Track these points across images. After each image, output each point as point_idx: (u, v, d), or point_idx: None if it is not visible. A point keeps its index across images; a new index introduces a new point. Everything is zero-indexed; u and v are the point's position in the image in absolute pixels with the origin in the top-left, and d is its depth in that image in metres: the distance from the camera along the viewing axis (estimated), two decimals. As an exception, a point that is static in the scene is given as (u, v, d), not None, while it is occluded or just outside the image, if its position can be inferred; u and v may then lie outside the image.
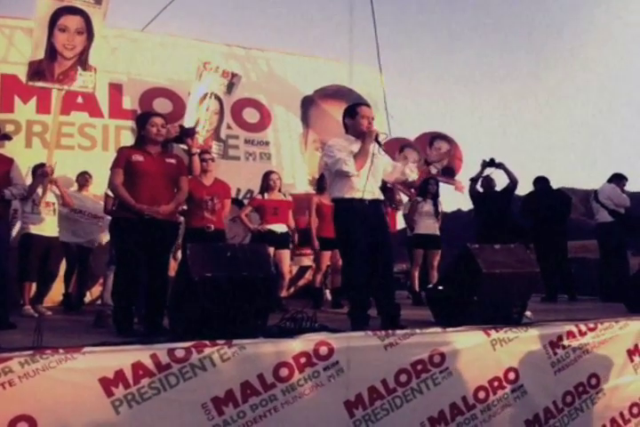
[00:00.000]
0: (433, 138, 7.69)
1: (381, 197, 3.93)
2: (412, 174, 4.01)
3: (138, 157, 3.64)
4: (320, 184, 5.77)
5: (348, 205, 3.75)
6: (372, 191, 3.77)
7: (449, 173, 7.53)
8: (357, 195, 3.71)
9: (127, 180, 3.64)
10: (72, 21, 4.90)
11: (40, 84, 4.93)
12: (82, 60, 4.96)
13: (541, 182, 6.71)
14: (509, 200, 6.63)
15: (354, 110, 3.90)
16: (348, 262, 3.92)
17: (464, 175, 7.36)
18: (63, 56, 4.88)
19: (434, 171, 7.29)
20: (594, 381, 3.57)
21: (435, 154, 7.52)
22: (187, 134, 4.07)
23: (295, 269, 7.16)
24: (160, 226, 3.60)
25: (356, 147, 3.77)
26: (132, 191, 3.59)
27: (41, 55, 4.83)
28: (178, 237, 4.25)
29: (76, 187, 5.84)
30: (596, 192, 6.64)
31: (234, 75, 6.39)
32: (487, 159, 6.63)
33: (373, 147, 3.73)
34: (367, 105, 4.07)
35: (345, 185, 3.75)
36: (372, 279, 3.76)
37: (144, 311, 3.67)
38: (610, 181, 6.55)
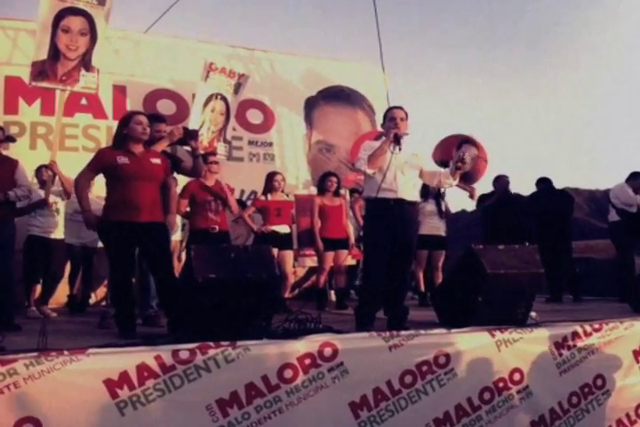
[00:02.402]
0: (462, 142, 7.62)
1: (409, 197, 3.85)
2: (449, 181, 3.95)
3: (123, 160, 3.45)
4: (321, 185, 5.76)
5: (372, 205, 3.86)
6: (394, 190, 3.77)
7: (469, 178, 7.47)
8: (380, 194, 3.74)
9: (114, 183, 3.50)
10: (75, 22, 4.88)
11: (43, 84, 4.91)
12: (85, 62, 4.94)
13: (544, 183, 6.68)
14: (516, 201, 6.62)
15: (385, 115, 4.00)
16: (365, 260, 4.04)
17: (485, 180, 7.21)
18: (66, 57, 4.86)
19: None
20: (599, 381, 3.56)
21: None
22: (190, 136, 4.05)
23: (303, 272, 7.12)
24: (146, 227, 3.49)
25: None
26: (121, 196, 3.46)
27: (44, 56, 4.80)
28: (170, 237, 4.18)
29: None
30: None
31: (241, 75, 6.34)
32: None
33: (392, 147, 3.73)
34: (397, 107, 4.02)
35: (370, 185, 3.85)
36: (387, 280, 3.79)
37: (167, 317, 3.62)
38: (627, 180, 6.30)
